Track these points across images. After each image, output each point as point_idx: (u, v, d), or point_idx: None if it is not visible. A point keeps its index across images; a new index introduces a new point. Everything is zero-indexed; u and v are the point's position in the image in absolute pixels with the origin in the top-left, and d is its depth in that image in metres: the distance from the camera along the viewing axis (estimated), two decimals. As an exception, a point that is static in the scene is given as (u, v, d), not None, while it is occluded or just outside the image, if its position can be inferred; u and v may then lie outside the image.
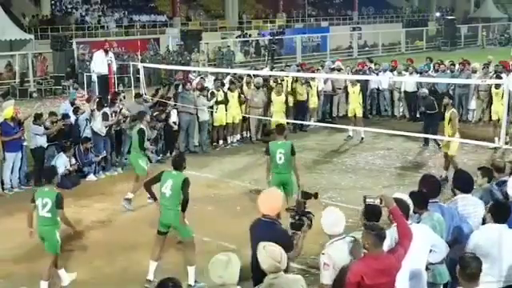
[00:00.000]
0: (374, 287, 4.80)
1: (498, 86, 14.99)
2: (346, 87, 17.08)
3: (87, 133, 13.12)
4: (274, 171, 9.28)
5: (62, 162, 12.13)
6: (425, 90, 15.30)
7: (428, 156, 14.08)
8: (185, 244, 8.02)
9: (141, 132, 10.98)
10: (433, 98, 14.73)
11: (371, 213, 5.38)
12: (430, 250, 5.51)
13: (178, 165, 7.91)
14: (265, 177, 9.58)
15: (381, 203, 5.26)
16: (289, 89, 16.81)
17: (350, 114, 16.22)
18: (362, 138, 15.81)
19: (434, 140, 14.15)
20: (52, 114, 13.16)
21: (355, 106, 15.99)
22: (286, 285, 4.62)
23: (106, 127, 13.08)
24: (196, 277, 7.70)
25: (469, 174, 6.85)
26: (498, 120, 14.32)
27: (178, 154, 10.97)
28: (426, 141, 14.53)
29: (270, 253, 4.65)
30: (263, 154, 9.73)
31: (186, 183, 7.72)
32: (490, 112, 16.75)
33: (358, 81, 16.61)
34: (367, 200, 5.32)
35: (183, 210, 7.72)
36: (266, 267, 4.67)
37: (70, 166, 12.32)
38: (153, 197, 8.08)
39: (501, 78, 15.78)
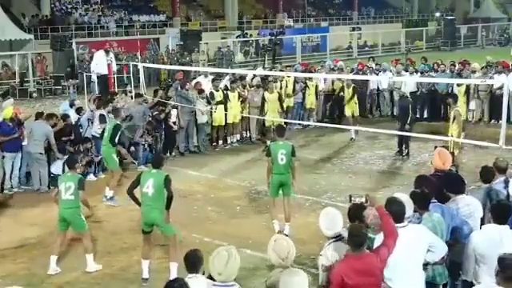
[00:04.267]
0: (356, 287, 4.80)
1: (459, 84, 15.15)
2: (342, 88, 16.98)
3: (89, 133, 13.11)
4: (274, 172, 9.21)
5: None
6: (404, 90, 15.23)
7: (428, 156, 14.04)
8: (169, 241, 8.01)
9: (117, 127, 11.23)
10: (411, 100, 14.66)
11: (353, 213, 5.40)
12: (428, 250, 5.51)
13: (158, 163, 7.96)
14: (265, 177, 9.55)
15: (366, 202, 5.28)
16: (289, 90, 16.80)
17: (347, 114, 16.19)
18: (351, 139, 15.81)
19: (406, 147, 14.10)
20: (52, 115, 13.07)
21: (351, 106, 16.02)
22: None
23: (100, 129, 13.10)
24: (178, 274, 7.69)
25: (456, 175, 6.86)
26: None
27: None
28: (401, 147, 14.25)
29: (277, 248, 4.68)
30: (264, 154, 9.65)
31: (167, 180, 7.72)
32: (490, 112, 16.79)
33: (365, 81, 16.70)
34: (352, 199, 5.35)
35: (168, 207, 7.71)
36: (271, 260, 4.71)
37: (82, 165, 12.32)
38: (137, 203, 7.98)
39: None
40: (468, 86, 15.50)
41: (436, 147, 8.73)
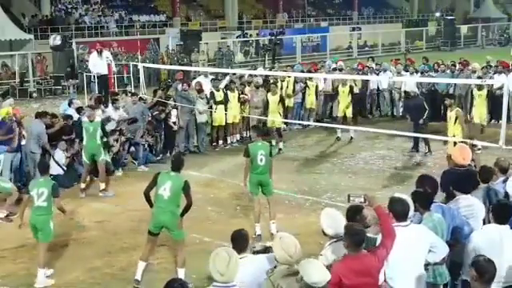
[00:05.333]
0: (354, 287, 4.80)
1: (480, 88, 15.00)
2: (337, 87, 16.90)
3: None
4: (253, 172, 9.27)
5: (61, 156, 12.25)
6: (415, 90, 15.34)
7: (428, 156, 14.06)
8: (176, 245, 7.99)
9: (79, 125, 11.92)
10: (422, 98, 14.71)
11: (351, 215, 5.40)
12: (429, 250, 5.50)
13: (178, 166, 7.79)
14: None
15: (365, 202, 5.27)
16: (289, 90, 16.77)
17: (339, 114, 16.00)
18: (352, 138, 15.76)
19: (426, 144, 14.14)
20: (46, 113, 13.04)
21: (345, 106, 15.77)
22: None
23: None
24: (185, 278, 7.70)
25: (469, 175, 6.84)
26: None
27: (177, 154, 11.01)
28: (416, 146, 14.39)
29: (284, 245, 4.70)
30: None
31: (187, 186, 7.61)
32: (490, 112, 16.73)
33: (365, 81, 16.54)
34: (351, 198, 5.34)
35: (183, 213, 7.64)
36: (277, 257, 4.71)
37: (67, 157, 12.38)
38: (150, 204, 7.82)
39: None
40: (490, 90, 15.40)
41: (455, 143, 8.77)
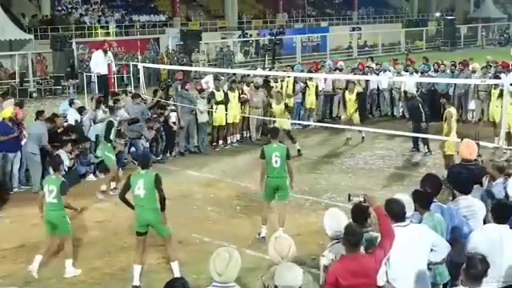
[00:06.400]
0: None
1: (496, 86, 14.90)
2: (343, 90, 16.88)
3: (92, 133, 13.11)
4: (269, 175, 9.05)
5: (65, 157, 12.20)
6: (412, 91, 15.30)
7: (428, 156, 14.06)
8: (165, 242, 8.02)
9: (109, 123, 11.61)
10: (420, 99, 14.69)
11: (357, 212, 5.40)
12: (431, 250, 5.50)
13: (145, 164, 7.86)
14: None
15: (364, 202, 5.28)
16: (289, 90, 16.77)
17: (347, 118, 16.07)
18: (363, 138, 15.76)
19: (425, 144, 14.14)
20: (52, 120, 13.00)
21: (351, 112, 15.79)
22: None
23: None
24: (180, 271, 7.74)
25: (466, 175, 6.85)
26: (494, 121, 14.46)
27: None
28: (416, 145, 14.42)
29: (278, 246, 4.70)
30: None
31: (158, 179, 7.66)
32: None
33: (365, 81, 16.51)
34: (351, 198, 5.35)
35: (163, 209, 7.68)
36: (271, 258, 4.72)
37: (71, 159, 12.37)
38: (130, 206, 7.88)
39: (499, 78, 15.66)
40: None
41: (462, 139, 8.79)
